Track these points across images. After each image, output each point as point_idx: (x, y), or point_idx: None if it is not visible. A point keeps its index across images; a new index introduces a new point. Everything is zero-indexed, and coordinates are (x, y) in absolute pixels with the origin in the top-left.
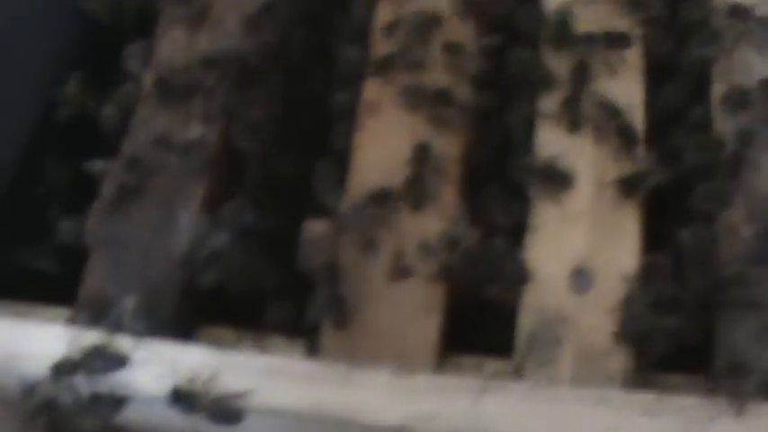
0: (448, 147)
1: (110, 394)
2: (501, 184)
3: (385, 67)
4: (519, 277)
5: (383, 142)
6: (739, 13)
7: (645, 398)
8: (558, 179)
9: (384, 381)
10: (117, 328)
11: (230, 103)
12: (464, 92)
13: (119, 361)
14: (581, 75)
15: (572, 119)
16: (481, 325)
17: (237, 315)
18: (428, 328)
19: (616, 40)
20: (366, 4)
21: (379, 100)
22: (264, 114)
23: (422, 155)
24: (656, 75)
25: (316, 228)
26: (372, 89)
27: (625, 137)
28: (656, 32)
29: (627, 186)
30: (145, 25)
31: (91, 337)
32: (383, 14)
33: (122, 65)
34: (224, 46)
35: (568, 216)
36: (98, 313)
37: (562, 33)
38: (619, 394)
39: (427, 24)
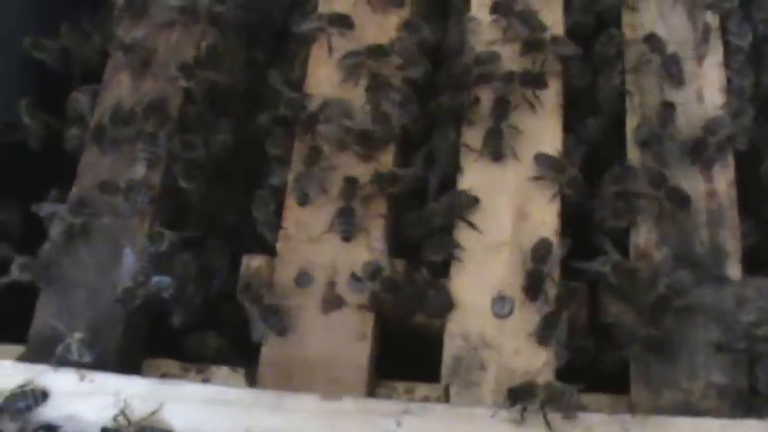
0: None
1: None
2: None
3: (316, 116)
4: (443, 306)
5: None
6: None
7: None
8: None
9: (313, 405)
10: (64, 361)
11: (172, 146)
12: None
13: (40, 397)
14: (501, 109)
15: (494, 150)
16: (413, 351)
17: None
18: (359, 354)
19: (532, 80)
20: (301, 61)
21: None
22: (204, 155)
23: (350, 188)
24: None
25: (253, 262)
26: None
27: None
28: (575, 67)
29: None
30: (91, 72)
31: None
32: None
33: (69, 109)
34: (165, 91)
35: (491, 245)
36: (47, 349)
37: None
38: (534, 414)
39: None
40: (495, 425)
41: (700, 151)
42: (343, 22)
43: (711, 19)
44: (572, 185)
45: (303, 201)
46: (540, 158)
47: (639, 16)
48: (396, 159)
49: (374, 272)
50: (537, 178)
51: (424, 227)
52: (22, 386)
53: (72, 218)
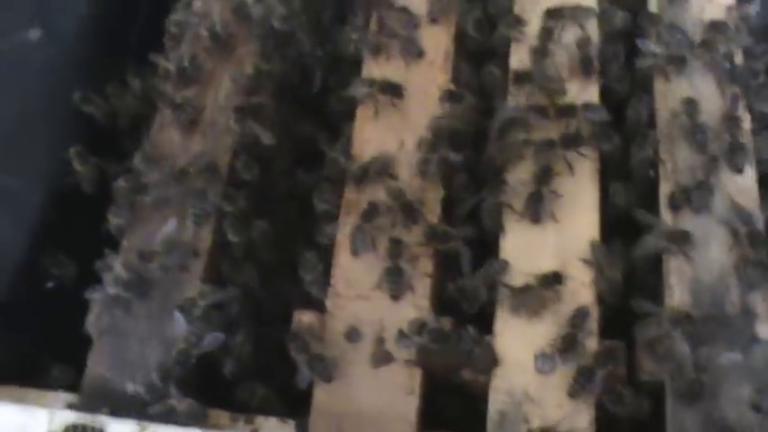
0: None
1: None
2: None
3: (363, 176)
4: (488, 362)
5: None
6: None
7: None
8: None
9: None
10: (118, 413)
11: (221, 202)
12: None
13: None
14: (544, 174)
15: (534, 213)
16: (459, 405)
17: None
18: (407, 409)
19: (572, 141)
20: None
21: (358, 201)
22: (253, 210)
23: (397, 248)
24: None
25: (304, 317)
26: (351, 192)
27: None
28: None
29: None
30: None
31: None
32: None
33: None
34: (214, 149)
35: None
36: (100, 398)
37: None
38: None
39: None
40: None
41: None
42: (394, 91)
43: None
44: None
45: (356, 253)
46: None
47: (671, 85)
48: (441, 216)
49: (420, 327)
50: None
51: (469, 302)
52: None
53: (125, 273)
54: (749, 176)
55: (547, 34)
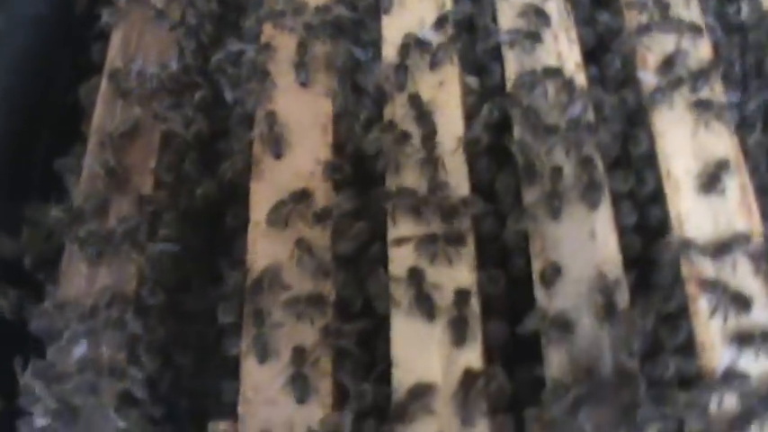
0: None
1: None
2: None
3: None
4: None
5: None
6: None
7: None
8: None
9: None
10: None
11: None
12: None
13: None
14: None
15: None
16: None
17: None
18: None
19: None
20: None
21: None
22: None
23: (299, 356)
24: None
25: (219, 426)
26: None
27: None
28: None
29: None
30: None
31: None
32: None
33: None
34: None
35: None
36: None
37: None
38: None
39: None
40: None
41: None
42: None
43: None
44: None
45: (261, 361)
46: None
47: None
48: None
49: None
50: None
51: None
52: None
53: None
54: (612, 244)
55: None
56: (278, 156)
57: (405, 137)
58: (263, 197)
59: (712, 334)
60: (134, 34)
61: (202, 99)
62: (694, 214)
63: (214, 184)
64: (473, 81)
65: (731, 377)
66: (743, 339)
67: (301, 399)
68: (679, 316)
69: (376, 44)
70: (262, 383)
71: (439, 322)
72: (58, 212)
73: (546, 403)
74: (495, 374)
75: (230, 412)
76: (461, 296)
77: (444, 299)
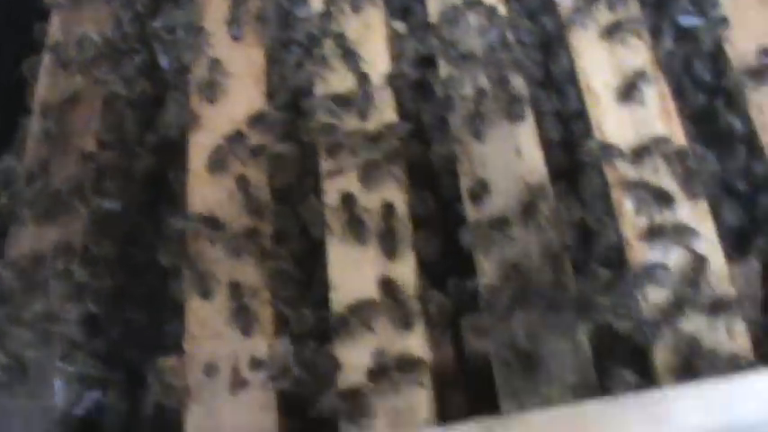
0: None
1: None
2: None
3: None
4: (330, 369)
5: None
6: None
7: None
8: None
9: None
10: None
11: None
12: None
13: None
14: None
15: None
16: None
17: None
18: (266, 421)
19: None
20: None
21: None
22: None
23: (236, 291)
24: None
25: (166, 362)
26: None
27: None
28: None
29: None
30: None
31: None
32: None
33: None
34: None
35: None
36: None
37: None
38: None
39: None
40: None
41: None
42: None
43: None
44: None
45: (203, 296)
46: None
47: None
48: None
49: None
50: None
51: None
52: None
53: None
54: (537, 158)
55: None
56: (212, 100)
57: (332, 70)
58: (201, 147)
59: (636, 232)
60: (73, 10)
61: (142, 62)
62: (614, 122)
63: (156, 139)
64: (400, 26)
65: (654, 270)
66: (659, 234)
67: (245, 330)
68: (604, 222)
69: None
70: (206, 319)
71: (372, 245)
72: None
73: (481, 310)
74: (432, 296)
75: (178, 350)
76: (388, 209)
77: (376, 222)
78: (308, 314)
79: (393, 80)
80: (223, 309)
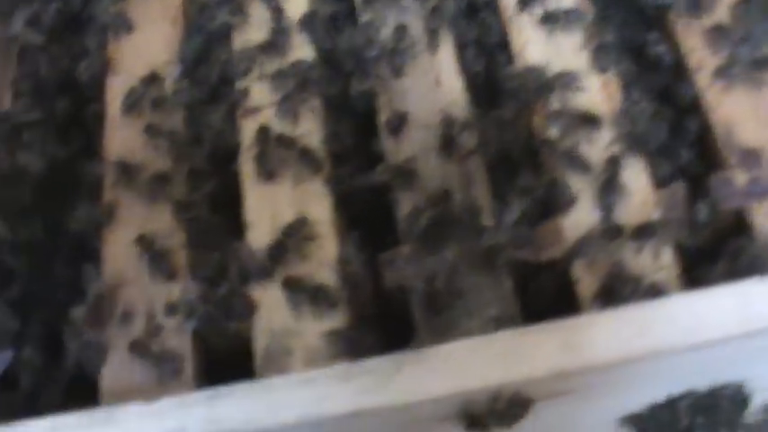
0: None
1: None
2: None
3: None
4: (247, 310)
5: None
6: None
7: (340, 368)
8: None
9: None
10: None
11: None
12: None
13: None
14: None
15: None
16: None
17: None
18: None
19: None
20: None
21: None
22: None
23: (146, 242)
24: None
25: (79, 311)
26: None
27: None
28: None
29: None
30: None
31: None
32: None
33: None
34: None
35: None
36: None
37: None
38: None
39: None
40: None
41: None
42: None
43: None
44: None
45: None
46: None
47: None
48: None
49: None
50: None
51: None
52: None
53: None
54: (458, 89)
55: None
56: (128, 29)
57: (243, 13)
58: (117, 91)
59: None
60: None
61: (56, 11)
62: (538, 51)
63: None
64: None
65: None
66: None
67: (160, 275)
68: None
69: None
70: (122, 267)
71: (287, 181)
72: None
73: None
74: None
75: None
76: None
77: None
78: (217, 256)
79: (309, 18)
80: (138, 256)
